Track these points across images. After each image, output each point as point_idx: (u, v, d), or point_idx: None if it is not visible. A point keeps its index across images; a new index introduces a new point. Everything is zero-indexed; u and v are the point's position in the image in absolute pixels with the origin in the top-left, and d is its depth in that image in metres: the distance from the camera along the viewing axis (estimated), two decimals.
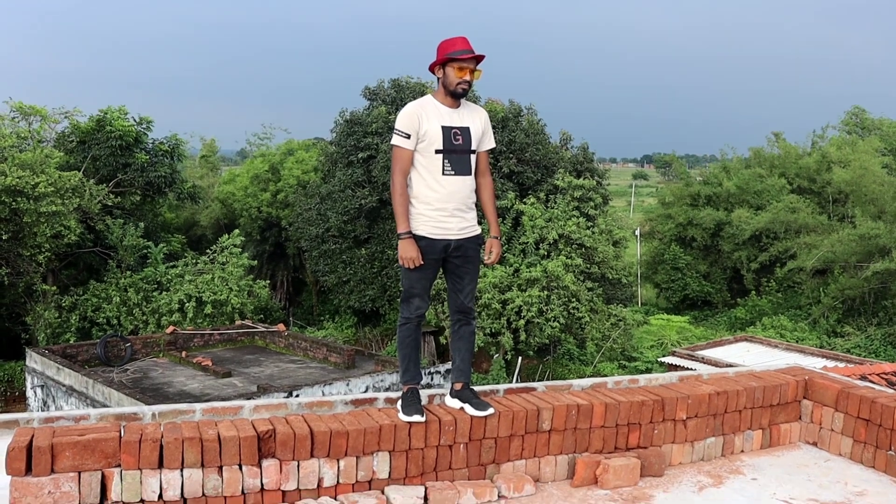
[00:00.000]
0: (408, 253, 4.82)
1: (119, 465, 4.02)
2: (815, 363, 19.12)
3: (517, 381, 27.30)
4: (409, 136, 4.83)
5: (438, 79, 4.92)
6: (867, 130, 47.09)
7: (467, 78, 4.84)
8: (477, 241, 5.05)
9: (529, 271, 26.71)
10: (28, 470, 3.89)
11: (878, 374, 14.31)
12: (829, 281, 36.23)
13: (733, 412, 5.76)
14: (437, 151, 4.83)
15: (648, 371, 28.40)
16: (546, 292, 26.36)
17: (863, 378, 10.02)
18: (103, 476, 4.00)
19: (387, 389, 20.67)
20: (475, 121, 4.99)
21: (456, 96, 4.90)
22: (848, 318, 35.27)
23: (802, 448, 6.00)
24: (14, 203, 26.32)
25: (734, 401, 5.74)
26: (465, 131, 4.91)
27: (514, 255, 28.21)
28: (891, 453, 5.45)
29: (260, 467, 4.26)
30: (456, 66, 4.81)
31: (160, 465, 4.07)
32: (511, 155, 30.78)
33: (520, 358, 27.96)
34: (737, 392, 5.76)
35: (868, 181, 35.42)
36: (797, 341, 30.24)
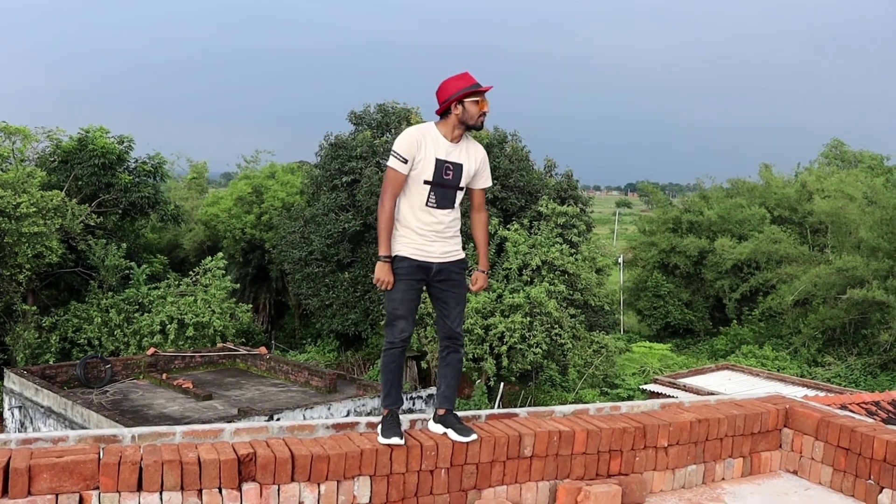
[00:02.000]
0: (383, 276, 4.84)
1: (97, 488, 3.99)
2: (795, 392, 19.19)
3: (499, 407, 27.25)
4: (405, 161, 4.84)
5: (451, 114, 4.91)
6: (846, 162, 47.58)
7: (486, 110, 4.91)
8: (461, 266, 5.05)
9: (512, 297, 26.74)
10: (5, 492, 3.85)
11: (857, 404, 14.38)
12: (810, 311, 36.45)
13: (714, 440, 5.76)
14: (426, 182, 4.84)
15: (630, 398, 28.41)
16: (529, 318, 26.38)
17: (843, 407, 10.07)
18: (81, 498, 3.96)
19: (368, 414, 20.58)
20: (470, 159, 5.00)
21: (476, 129, 4.95)
22: (828, 348, 35.49)
23: (783, 476, 6.01)
24: None
25: (715, 428, 5.75)
26: (458, 168, 4.92)
27: (497, 280, 28.25)
28: (870, 482, 5.47)
29: (240, 491, 4.23)
30: (476, 100, 4.86)
31: (139, 488, 4.03)
32: (495, 181, 30.88)
33: (502, 384, 27.93)
34: (718, 420, 5.77)
35: (847, 212, 35.75)
36: (778, 370, 30.37)
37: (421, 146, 4.84)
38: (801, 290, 35.15)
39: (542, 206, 30.14)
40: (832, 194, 37.25)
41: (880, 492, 5.41)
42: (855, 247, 34.83)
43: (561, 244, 28.60)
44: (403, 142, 4.85)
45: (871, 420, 6.45)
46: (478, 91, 4.85)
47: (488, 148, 31.39)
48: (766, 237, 38.78)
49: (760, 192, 45.68)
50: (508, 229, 29.20)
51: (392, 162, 4.87)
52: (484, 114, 4.90)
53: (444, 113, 4.94)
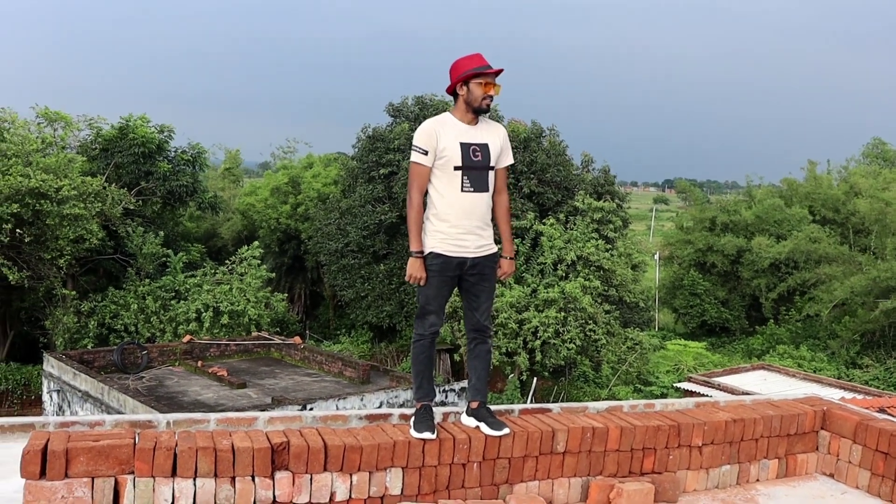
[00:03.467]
0: (416, 272, 4.84)
1: (132, 472, 4.02)
2: (832, 394, 18.96)
3: (532, 401, 27.21)
4: (426, 153, 4.82)
5: (459, 96, 4.91)
6: (888, 161, 46.86)
7: (492, 93, 4.85)
8: (493, 260, 5.03)
9: (547, 292, 26.65)
10: (42, 474, 3.90)
11: None
12: (848, 314, 36.02)
13: (750, 440, 5.70)
14: (456, 168, 4.82)
15: (664, 396, 28.26)
16: (563, 313, 26.28)
17: (881, 410, 9.93)
18: (116, 482, 4.00)
19: (401, 406, 20.63)
20: (494, 137, 4.98)
21: (480, 112, 4.90)
22: (867, 350, 35.03)
23: (819, 479, 5.94)
24: (38, 205, 26.52)
25: (751, 429, 5.69)
26: (484, 148, 4.90)
27: (532, 275, 28.17)
28: None
29: (273, 479, 4.25)
30: (481, 82, 4.82)
31: (173, 474, 4.06)
32: (532, 175, 30.80)
33: (535, 378, 27.88)
34: (754, 420, 5.71)
35: (889, 214, 35.24)
36: (815, 371, 30.02)
37: (440, 135, 4.82)
38: (839, 298, 34.79)
39: (578, 201, 29.99)
40: (874, 194, 36.69)
41: None
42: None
43: (597, 240, 28.45)
44: (421, 134, 4.85)
45: None
46: (483, 73, 4.82)
47: (525, 142, 31.29)
48: (805, 236, 38.35)
49: (806, 191, 45.14)
50: (544, 224, 29.09)
51: (414, 156, 4.86)
52: (489, 97, 4.84)
53: (456, 97, 4.93)
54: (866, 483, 5.68)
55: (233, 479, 4.17)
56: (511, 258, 5.19)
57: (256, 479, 4.21)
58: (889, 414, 9.90)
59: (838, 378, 28.71)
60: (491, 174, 4.95)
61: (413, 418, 4.79)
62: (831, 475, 5.95)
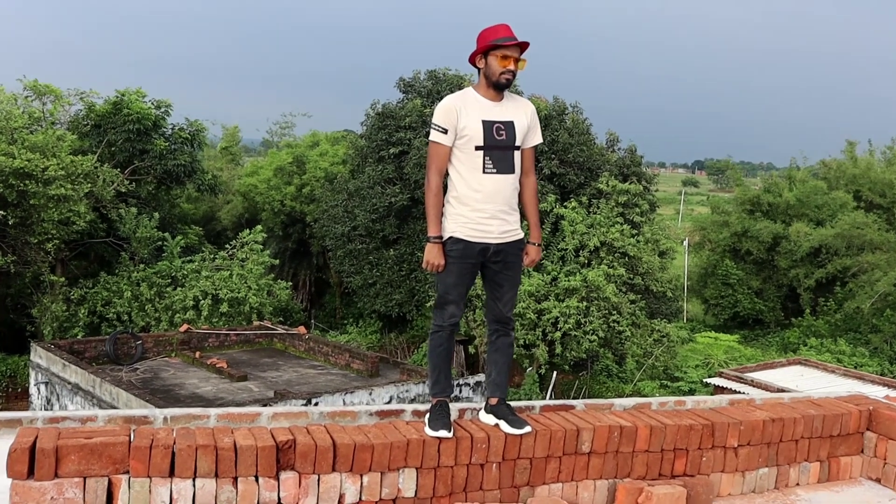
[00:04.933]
0: (433, 259, 4.79)
1: (127, 472, 4.01)
2: (876, 391, 18.86)
3: (551, 397, 27.21)
4: (446, 132, 4.78)
5: (480, 70, 4.86)
6: None
7: (511, 67, 4.77)
8: (519, 246, 4.98)
9: (568, 280, 26.60)
10: (30, 473, 3.88)
11: None
12: (891, 307, 35.82)
13: (789, 441, 5.65)
14: (478, 148, 4.77)
15: (692, 392, 28.19)
16: (585, 303, 26.23)
17: None
18: (110, 483, 3.99)
19: (412, 400, 20.65)
20: (520, 115, 4.92)
21: (499, 87, 4.84)
22: None
23: (864, 484, 5.89)
24: (22, 186, 26.57)
25: (790, 429, 5.64)
26: (509, 126, 4.84)
27: (552, 262, 28.12)
28: None
29: (278, 480, 4.23)
30: (499, 55, 4.75)
31: (171, 474, 4.05)
32: (553, 156, 30.70)
33: (554, 372, 27.86)
34: (794, 420, 5.66)
35: None
36: (856, 367, 29.86)
37: (461, 112, 4.77)
38: (882, 291, 34.59)
39: (602, 183, 29.90)
40: None
41: None
42: None
43: (621, 224, 28.36)
44: (441, 111, 4.80)
45: None
46: (503, 45, 4.74)
47: (546, 120, 31.16)
48: (849, 222, 38.10)
49: (849, 173, 44.84)
50: (566, 207, 29.02)
51: (434, 135, 4.82)
52: (509, 72, 4.77)
53: (479, 71, 4.88)
54: None
55: (235, 479, 4.15)
56: (538, 245, 5.14)
57: (260, 479, 4.19)
58: None
59: (881, 375, 28.57)
60: (517, 154, 4.90)
61: (428, 415, 4.76)
62: (878, 480, 5.90)
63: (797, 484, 5.73)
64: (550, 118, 31.56)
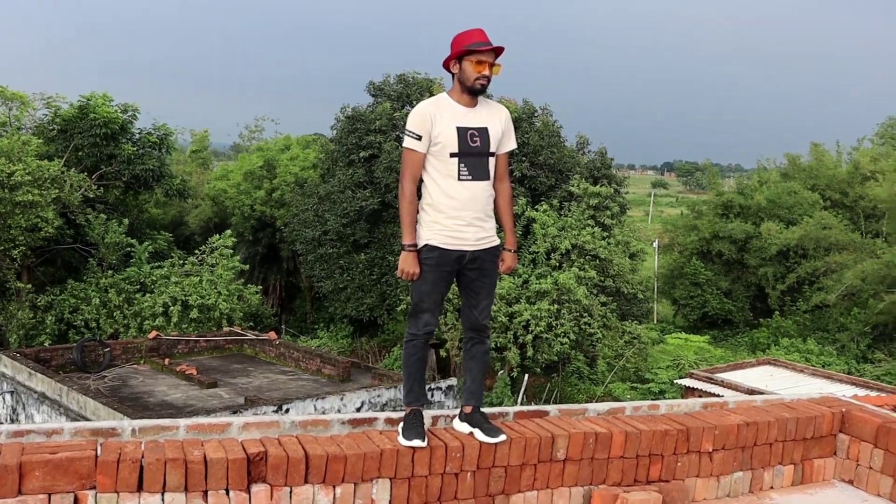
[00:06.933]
0: (408, 267, 4.75)
1: (94, 488, 3.93)
2: (844, 391, 19.01)
3: (523, 400, 27.23)
4: (420, 138, 4.73)
5: (454, 75, 4.82)
6: None
7: (486, 73, 4.72)
8: (495, 253, 4.94)
9: (539, 283, 26.62)
10: None
11: None
12: (858, 305, 36.16)
13: (763, 445, 5.65)
14: (453, 155, 4.72)
15: (662, 393, 28.32)
16: (556, 306, 26.26)
17: None
18: (76, 499, 3.91)
19: (384, 406, 20.59)
20: (494, 120, 4.88)
21: (474, 93, 4.79)
22: (878, 344, 35.20)
23: (837, 486, 5.90)
24: None
25: (765, 433, 5.64)
26: (483, 132, 4.80)
27: (523, 265, 28.13)
28: None
29: (249, 493, 4.16)
30: (474, 60, 4.70)
31: (139, 489, 3.97)
32: (524, 158, 30.72)
33: (526, 375, 27.87)
34: (767, 423, 5.66)
35: None
36: (824, 366, 30.11)
37: (435, 118, 4.72)
38: (849, 284, 34.90)
39: (573, 185, 29.95)
40: (888, 177, 36.76)
41: None
42: None
43: (592, 227, 28.42)
44: (415, 117, 4.75)
45: None
46: (477, 50, 4.70)
47: (516, 123, 31.17)
48: (815, 222, 38.44)
49: (811, 173, 45.24)
50: (537, 210, 29.03)
51: (407, 142, 4.76)
52: (483, 77, 4.72)
53: (454, 77, 4.83)
54: (889, 491, 5.64)
55: (205, 493, 4.08)
56: (514, 251, 5.10)
57: (231, 492, 4.12)
58: None
59: (849, 373, 28.82)
60: (491, 161, 4.86)
61: (402, 424, 4.71)
62: (850, 482, 5.92)
63: (771, 487, 5.74)
64: (520, 120, 31.56)
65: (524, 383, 27.88)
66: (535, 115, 33.16)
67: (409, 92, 33.57)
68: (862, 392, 20.74)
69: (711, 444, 5.40)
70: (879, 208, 38.47)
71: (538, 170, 31.10)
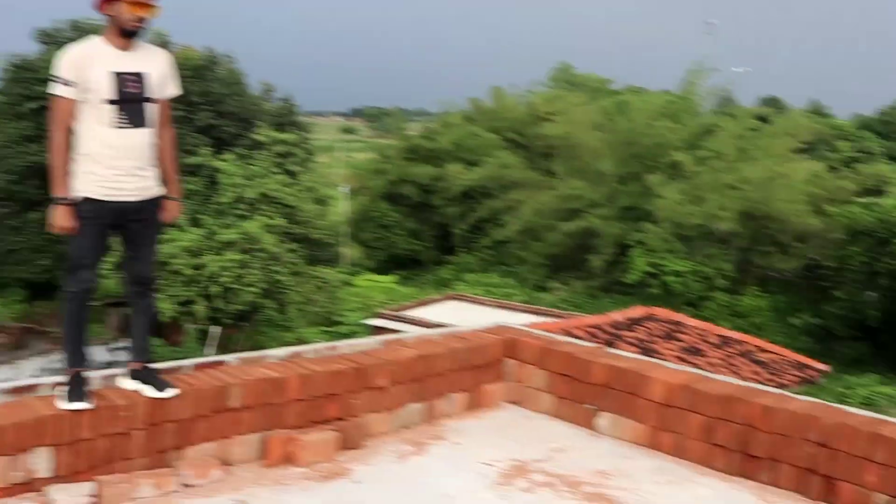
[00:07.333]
0: (62, 221, 4.48)
1: None
2: (522, 319, 20.19)
3: (215, 353, 26.82)
4: (70, 84, 4.44)
5: (110, 17, 4.54)
6: (574, 86, 50.13)
7: (142, 14, 4.50)
8: (157, 203, 4.77)
9: (226, 233, 26.22)
10: None
11: (580, 328, 15.37)
12: (535, 238, 38.38)
13: (436, 376, 5.86)
14: (107, 101, 4.48)
15: (353, 335, 28.83)
16: (245, 255, 26.00)
17: (566, 333, 10.65)
18: None
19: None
20: (153, 65, 4.67)
21: (129, 35, 4.55)
22: (555, 274, 37.60)
23: (506, 408, 6.25)
24: None
25: (437, 364, 5.86)
26: (141, 77, 4.58)
27: (209, 216, 27.55)
28: (588, 407, 5.79)
29: None
30: (129, 1, 4.46)
31: None
32: (208, 107, 29.98)
33: (214, 328, 27.41)
34: (439, 355, 5.88)
35: (576, 137, 37.69)
36: (506, 298, 31.77)
37: (87, 63, 4.46)
38: (526, 220, 36.96)
39: (259, 133, 29.64)
40: (561, 118, 39.02)
41: (598, 415, 5.76)
42: (581, 171, 36.94)
43: (280, 174, 28.30)
44: (65, 62, 4.46)
45: (592, 344, 6.86)
46: None
47: (199, 71, 30.32)
48: (496, 162, 40.20)
49: (493, 115, 47.12)
50: (223, 160, 28.48)
51: (56, 88, 4.47)
52: (141, 19, 4.51)
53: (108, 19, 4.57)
54: (548, 406, 6.05)
55: None
56: (178, 200, 4.93)
57: None
58: (573, 336, 10.67)
59: (527, 303, 30.59)
60: (151, 107, 4.65)
61: (67, 388, 4.46)
62: (517, 403, 6.28)
63: (446, 415, 5.97)
64: (203, 69, 30.76)
65: (212, 336, 27.41)
66: (217, 62, 32.41)
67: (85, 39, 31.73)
68: (539, 319, 22.15)
69: (386, 379, 5.54)
70: (553, 147, 40.78)
71: (223, 119, 30.52)
